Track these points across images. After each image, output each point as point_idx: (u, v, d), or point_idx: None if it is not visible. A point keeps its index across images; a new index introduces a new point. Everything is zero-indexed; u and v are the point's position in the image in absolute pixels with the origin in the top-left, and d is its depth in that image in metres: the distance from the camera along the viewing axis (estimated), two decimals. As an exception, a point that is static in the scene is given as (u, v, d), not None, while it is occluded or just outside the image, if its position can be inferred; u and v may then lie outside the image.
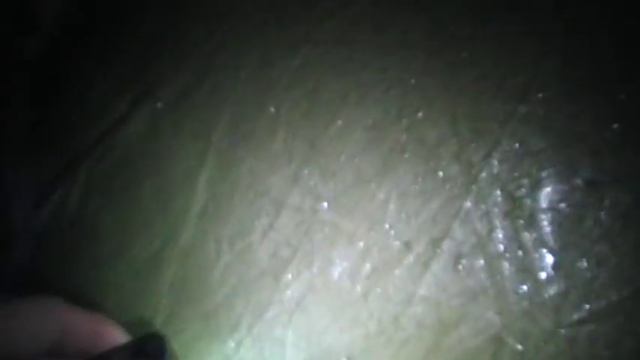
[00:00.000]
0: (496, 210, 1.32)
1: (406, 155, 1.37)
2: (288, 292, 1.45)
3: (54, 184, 1.61)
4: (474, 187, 1.33)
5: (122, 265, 1.57)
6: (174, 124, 1.52)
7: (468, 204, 1.33)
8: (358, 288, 1.40)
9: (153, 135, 1.55)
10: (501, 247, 1.32)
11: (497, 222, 1.32)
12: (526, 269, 1.31)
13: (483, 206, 1.33)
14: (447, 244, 1.35)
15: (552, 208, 1.30)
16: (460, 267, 1.34)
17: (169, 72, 1.55)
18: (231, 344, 1.52)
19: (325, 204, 1.42)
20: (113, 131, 1.57)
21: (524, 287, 1.30)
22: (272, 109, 1.44)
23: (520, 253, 1.30)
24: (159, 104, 1.54)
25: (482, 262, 1.33)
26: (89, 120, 1.58)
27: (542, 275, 1.29)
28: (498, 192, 1.32)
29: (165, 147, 1.53)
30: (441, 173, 1.34)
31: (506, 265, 1.31)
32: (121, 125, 1.57)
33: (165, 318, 1.56)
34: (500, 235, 1.32)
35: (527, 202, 1.31)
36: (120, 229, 1.57)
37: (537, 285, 1.30)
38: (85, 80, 1.59)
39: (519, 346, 1.30)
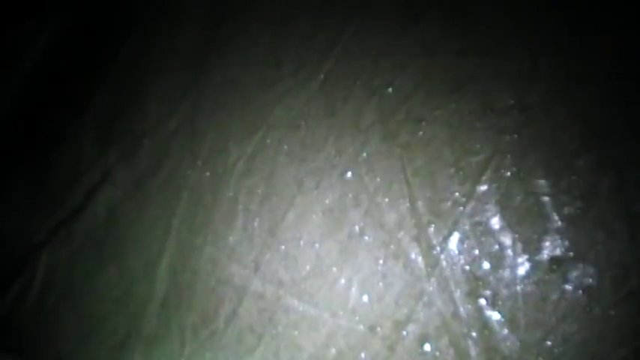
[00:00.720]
0: (459, 290, 1.31)
1: (366, 239, 1.35)
2: (255, 380, 1.43)
3: (13, 275, 1.58)
4: (435, 268, 1.31)
5: (84, 358, 1.54)
6: (132, 212, 1.51)
7: (431, 286, 1.32)
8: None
9: (112, 224, 1.53)
10: (466, 328, 1.30)
11: (460, 302, 1.30)
12: (493, 349, 1.29)
13: (446, 287, 1.31)
14: (411, 327, 1.33)
15: (516, 286, 1.29)
16: (426, 349, 1.32)
17: (126, 158, 1.54)
18: None
19: (288, 290, 1.40)
20: (71, 221, 1.55)
21: (492, 368, 1.28)
22: (230, 195, 1.43)
23: (486, 332, 1.29)
24: (118, 192, 1.52)
25: (447, 343, 1.31)
26: (46, 210, 1.56)
27: (510, 354, 1.27)
28: (460, 272, 1.30)
29: (124, 236, 1.51)
30: (401, 256, 1.33)
31: (472, 345, 1.29)
32: (78, 214, 1.55)
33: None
34: (465, 316, 1.30)
35: (490, 280, 1.30)
36: (82, 319, 1.54)
37: (505, 364, 1.28)
38: (41, 171, 1.57)
39: None
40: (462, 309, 1.31)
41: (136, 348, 1.49)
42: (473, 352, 1.29)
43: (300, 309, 1.38)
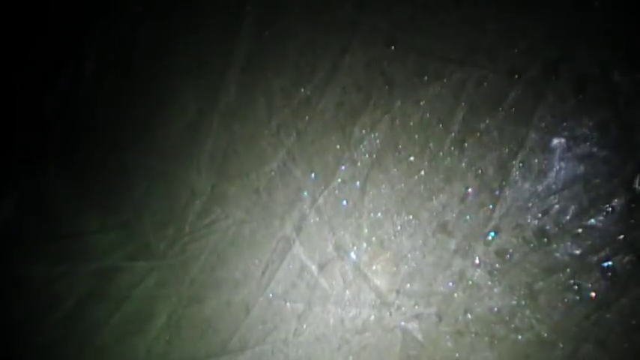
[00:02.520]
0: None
1: None
2: (362, 148, 1.16)
3: (66, 56, 1.32)
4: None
5: (150, 143, 1.27)
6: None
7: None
8: (452, 134, 1.11)
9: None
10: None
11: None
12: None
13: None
14: (563, 68, 1.06)
15: None
16: (580, 97, 1.06)
17: None
18: (291, 224, 1.21)
19: (407, 25, 1.13)
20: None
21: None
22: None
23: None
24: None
25: (608, 90, 1.04)
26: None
27: None
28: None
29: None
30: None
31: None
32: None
33: (203, 204, 1.25)
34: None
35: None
36: (145, 98, 1.28)
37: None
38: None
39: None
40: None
41: (211, 125, 1.23)
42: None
43: (425, 50, 1.11)
